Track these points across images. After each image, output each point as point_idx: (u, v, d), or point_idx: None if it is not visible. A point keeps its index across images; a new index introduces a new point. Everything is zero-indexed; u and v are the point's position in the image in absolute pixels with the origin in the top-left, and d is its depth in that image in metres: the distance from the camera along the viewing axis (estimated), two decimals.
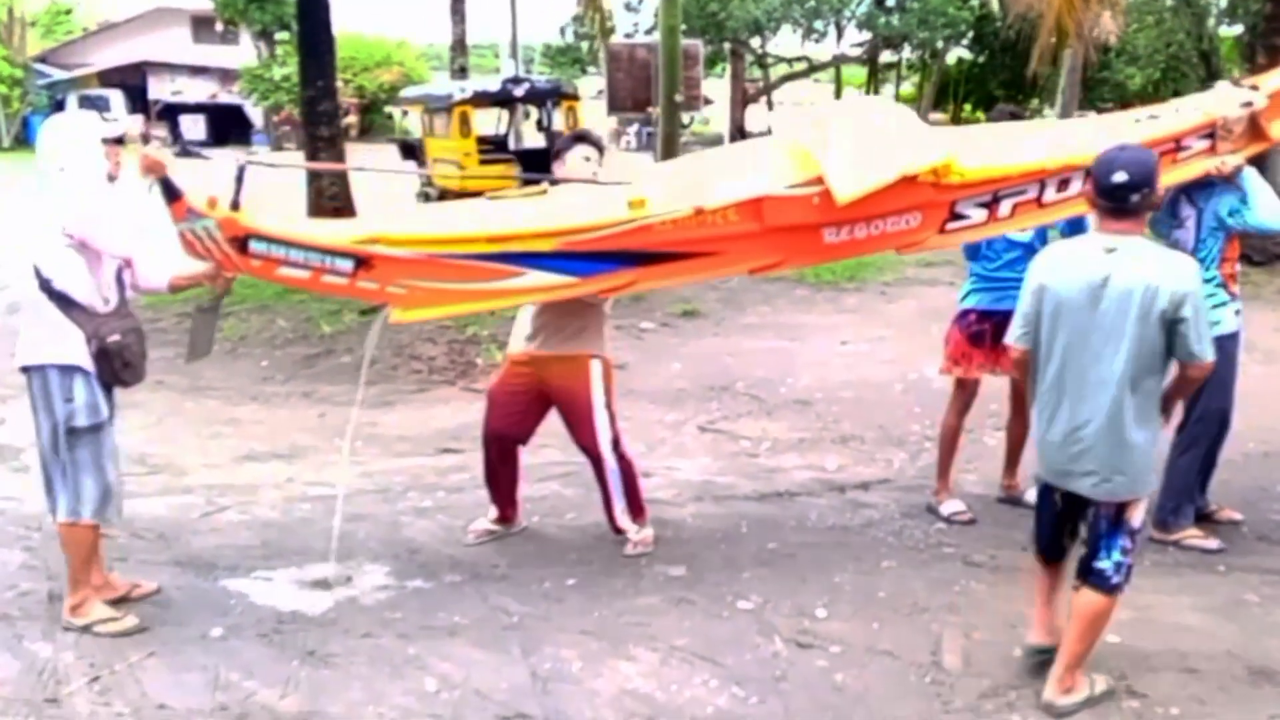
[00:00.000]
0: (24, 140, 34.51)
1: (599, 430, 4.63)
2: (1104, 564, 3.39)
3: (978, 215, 4.21)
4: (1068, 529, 3.57)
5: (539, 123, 14.77)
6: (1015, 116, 5.41)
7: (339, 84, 16.21)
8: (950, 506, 5.05)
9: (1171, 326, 3.22)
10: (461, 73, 19.64)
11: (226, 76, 37.18)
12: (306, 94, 10.91)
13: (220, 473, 5.29)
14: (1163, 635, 3.89)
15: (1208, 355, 3.27)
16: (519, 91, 13.19)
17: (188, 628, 4.05)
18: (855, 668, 3.75)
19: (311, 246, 3.91)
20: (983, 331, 4.92)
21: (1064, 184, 4.21)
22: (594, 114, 24.52)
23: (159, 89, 38.19)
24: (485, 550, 4.74)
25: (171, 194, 3.78)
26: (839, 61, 38.23)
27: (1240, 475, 5.35)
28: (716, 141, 31.78)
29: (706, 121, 37.09)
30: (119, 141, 3.98)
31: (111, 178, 3.94)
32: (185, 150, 26.97)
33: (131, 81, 37.30)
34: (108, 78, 37.20)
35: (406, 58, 39.46)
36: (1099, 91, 31.14)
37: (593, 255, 4.03)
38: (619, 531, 4.77)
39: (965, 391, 5.15)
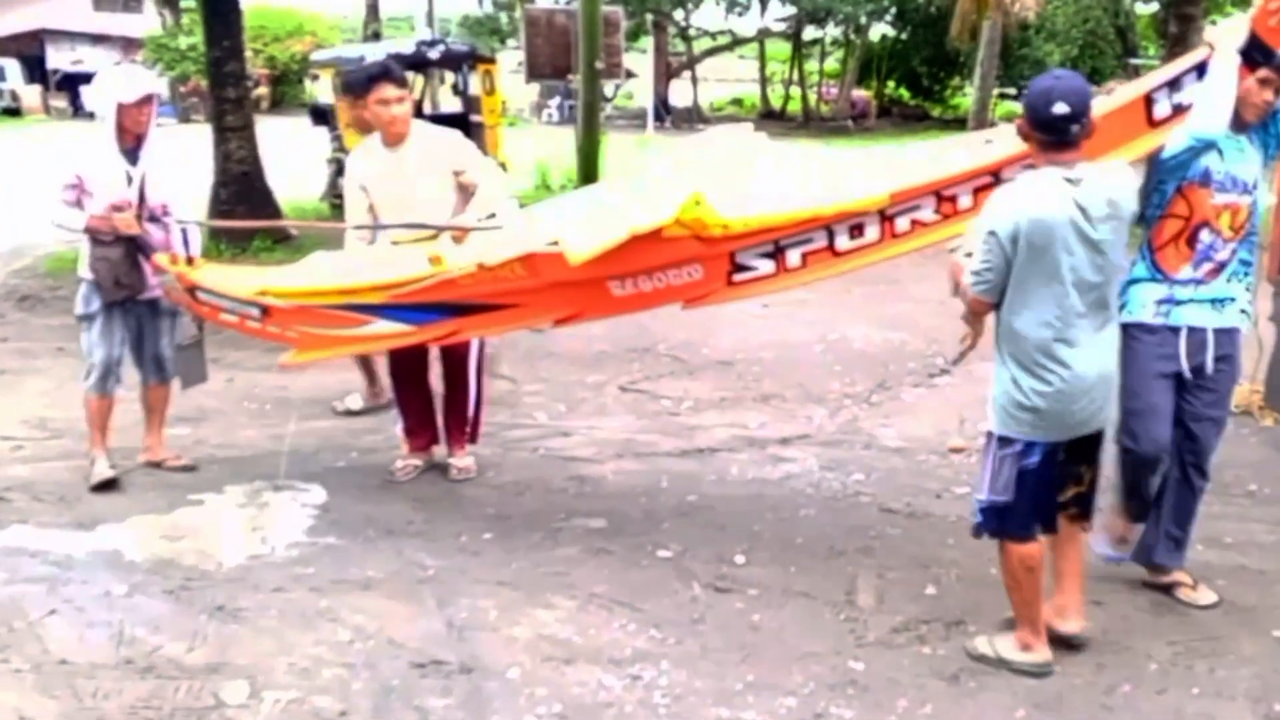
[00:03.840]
0: None
1: (470, 352, 4.92)
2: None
3: (765, 266, 3.93)
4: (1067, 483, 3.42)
5: (454, 86, 14.52)
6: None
7: (249, 54, 15.79)
8: None
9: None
10: (375, 38, 19.29)
11: (130, 45, 35.96)
12: (212, 54, 10.57)
13: (124, 436, 5.13)
14: None
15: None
16: (434, 54, 12.87)
17: (91, 586, 3.93)
18: (772, 608, 3.77)
19: (233, 298, 4.56)
20: None
21: (857, 229, 3.81)
22: (514, 86, 24.28)
23: (58, 58, 36.86)
24: (400, 508, 4.67)
25: (146, 252, 4.67)
26: (763, 36, 38.41)
27: None
28: (640, 116, 31.74)
29: (630, 96, 37.00)
30: (146, 101, 4.65)
31: (133, 134, 4.70)
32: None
33: (29, 50, 35.96)
34: (3, 46, 35.77)
35: (319, 28, 38.62)
36: (1018, 68, 31.71)
37: (418, 306, 4.28)
38: (460, 450, 5.01)
39: None
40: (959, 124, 18.52)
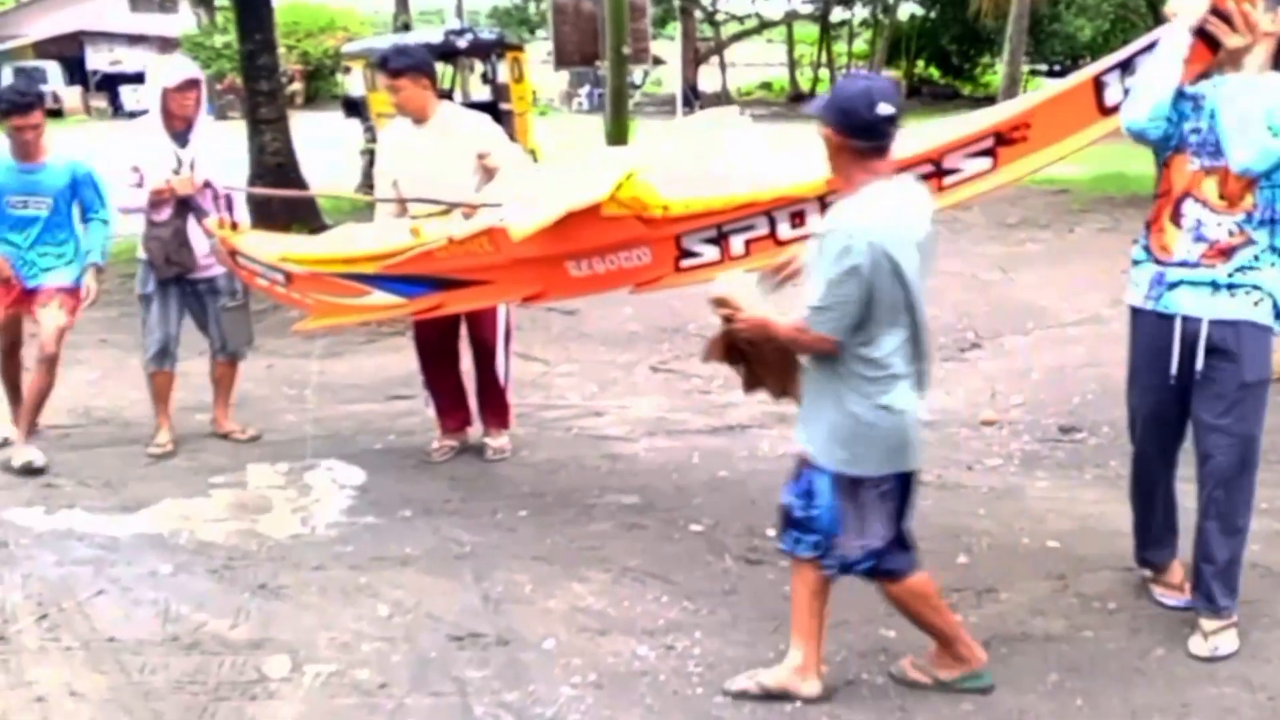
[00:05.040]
0: None
1: (498, 334, 4.98)
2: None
3: (710, 253, 3.85)
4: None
5: (484, 75, 14.61)
6: None
7: (282, 50, 15.94)
8: None
9: None
10: (405, 29, 19.41)
11: (166, 45, 36.34)
12: (245, 48, 10.68)
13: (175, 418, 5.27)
14: (1102, 541, 3.99)
15: None
16: (462, 43, 12.95)
17: (137, 566, 4.03)
18: None
19: (263, 263, 4.73)
20: None
21: (799, 218, 3.70)
22: (545, 76, 24.35)
23: (97, 59, 37.40)
24: (436, 487, 4.74)
25: (198, 217, 4.91)
26: (791, 19, 38.25)
27: None
28: (669, 103, 31.70)
29: (659, 82, 36.98)
30: (190, 85, 4.93)
31: (180, 119, 4.98)
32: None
33: (69, 52, 36.53)
34: (44, 49, 36.40)
35: (350, 22, 38.90)
36: (1049, 44, 31.36)
37: (406, 279, 4.35)
38: (495, 430, 5.09)
39: None
40: (989, 102, 18.37)
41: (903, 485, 3.04)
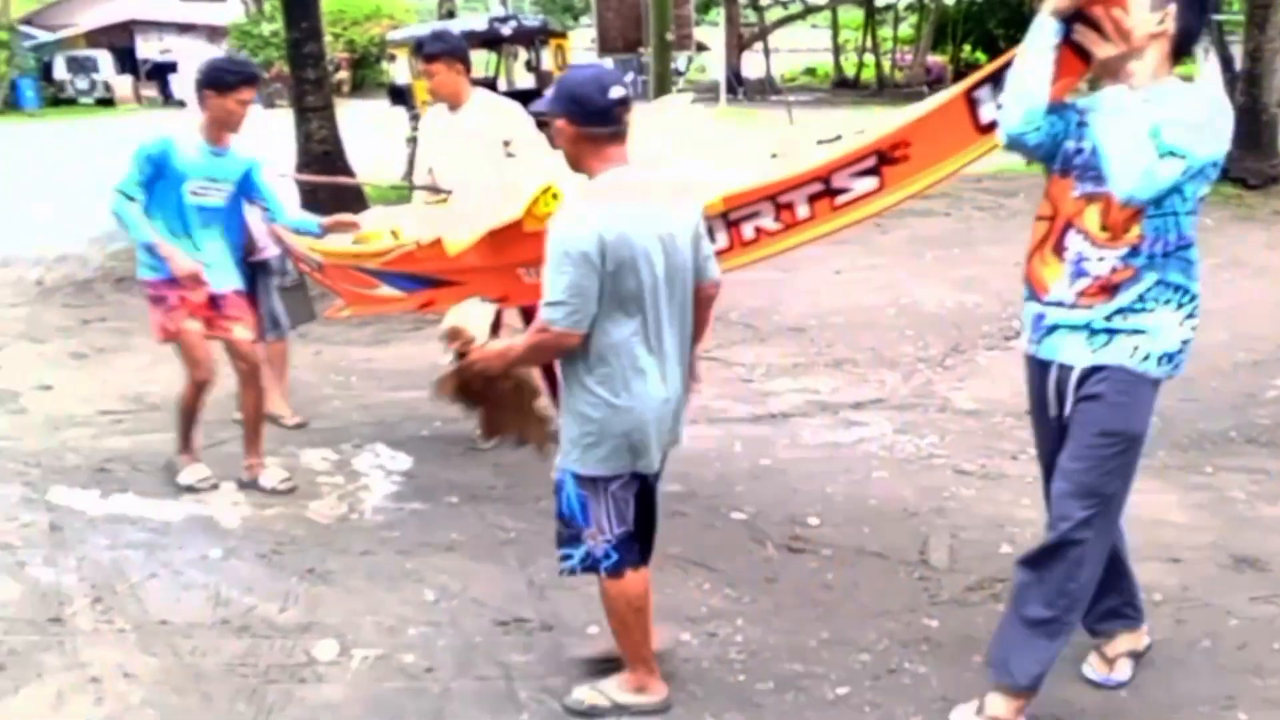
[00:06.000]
0: (12, 103, 34.23)
1: None
2: None
3: None
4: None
5: (528, 63, 14.66)
6: None
7: (329, 38, 16.04)
8: None
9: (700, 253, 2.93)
10: (449, 16, 19.50)
11: (215, 33, 36.81)
12: (292, 36, 10.77)
13: (218, 409, 5.33)
14: (1146, 530, 3.94)
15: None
16: (506, 30, 13.02)
17: (187, 550, 4.11)
18: (845, 568, 3.81)
19: (302, 249, 4.86)
20: None
21: (707, 234, 3.57)
22: (587, 61, 24.30)
23: (147, 48, 37.83)
24: (481, 474, 4.79)
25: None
26: (836, 3, 37.88)
27: (1230, 383, 5.40)
28: (712, 89, 31.56)
29: (702, 69, 36.80)
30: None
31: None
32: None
33: (119, 41, 36.96)
34: (95, 38, 36.87)
35: (396, 10, 39.04)
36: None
37: (402, 275, 4.42)
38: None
39: None
40: None
41: (645, 482, 2.98)
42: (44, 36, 37.34)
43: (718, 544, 4.04)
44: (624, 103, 2.72)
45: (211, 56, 5.03)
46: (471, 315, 2.93)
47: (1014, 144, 2.76)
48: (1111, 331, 2.67)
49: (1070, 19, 2.57)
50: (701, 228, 2.96)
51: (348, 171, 11.31)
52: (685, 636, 3.42)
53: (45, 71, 36.51)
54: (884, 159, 3.37)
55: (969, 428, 5.12)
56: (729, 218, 3.62)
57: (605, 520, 2.88)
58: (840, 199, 3.48)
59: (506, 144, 4.75)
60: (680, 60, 24.36)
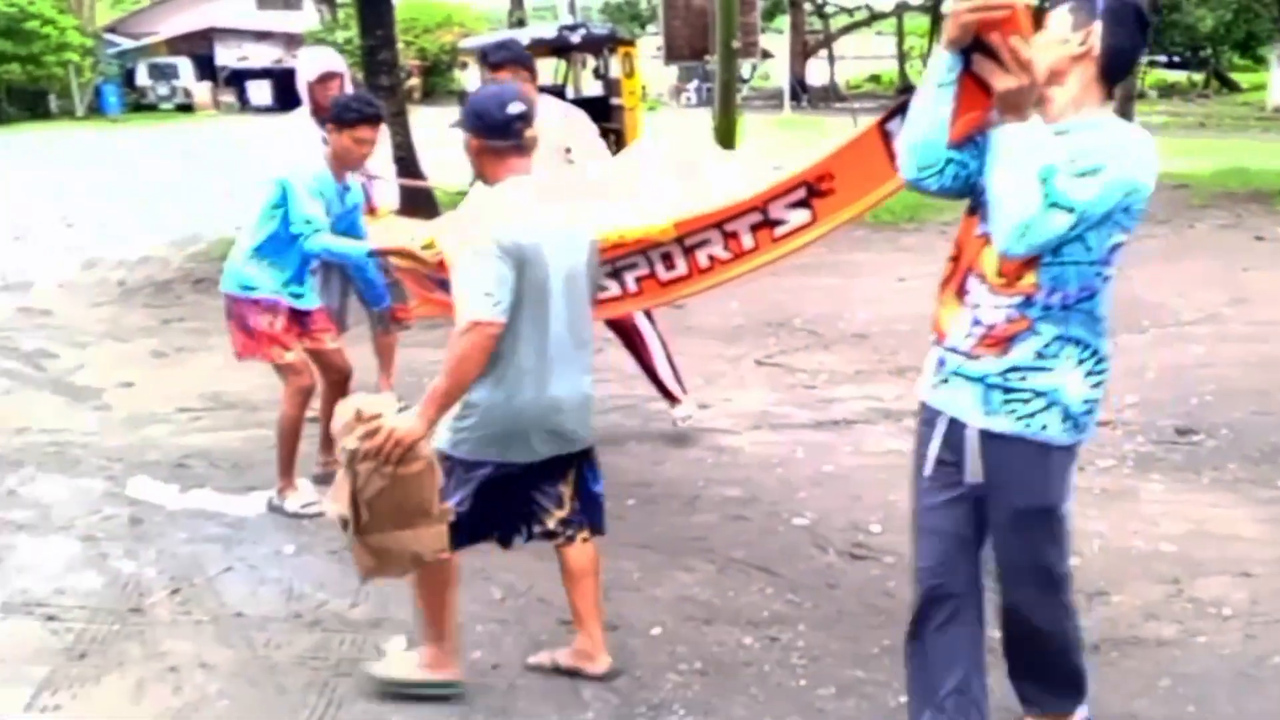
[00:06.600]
0: (97, 109, 35.20)
1: (635, 320, 5.02)
2: (601, 489, 3.34)
3: (613, 288, 4.01)
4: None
5: (596, 70, 14.80)
6: None
7: (400, 46, 16.36)
8: None
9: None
10: (519, 25, 19.71)
11: (291, 41, 37.59)
12: (366, 44, 11.01)
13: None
14: (1217, 544, 3.90)
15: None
16: (575, 38, 13.16)
17: (262, 546, 4.23)
18: (907, 576, 3.79)
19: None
20: None
21: (668, 260, 3.86)
22: (653, 71, 24.39)
23: (226, 55, 38.77)
24: None
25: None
26: (901, 10, 37.60)
27: None
28: (776, 96, 31.50)
29: (767, 76, 36.75)
30: (330, 77, 4.89)
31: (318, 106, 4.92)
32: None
33: (199, 49, 37.95)
34: (175, 46, 37.88)
35: (466, 18, 39.56)
36: (1168, 34, 30.30)
37: (442, 281, 4.42)
38: (671, 398, 5.13)
39: None
40: None
41: (508, 477, 3.04)
42: (127, 44, 38.46)
43: (779, 549, 4.07)
44: (522, 118, 2.90)
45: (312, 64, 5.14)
46: (373, 401, 2.91)
47: (915, 188, 2.49)
48: (1008, 390, 2.40)
49: (969, 49, 2.26)
50: (596, 240, 3.14)
51: (419, 177, 11.50)
52: (747, 640, 3.45)
53: (128, 78, 37.57)
54: (812, 191, 3.45)
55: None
56: (684, 244, 3.75)
57: (456, 498, 2.98)
58: (778, 230, 3.61)
59: (567, 151, 4.81)
60: (744, 67, 24.34)
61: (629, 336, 5.18)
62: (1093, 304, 2.36)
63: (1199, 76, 36.13)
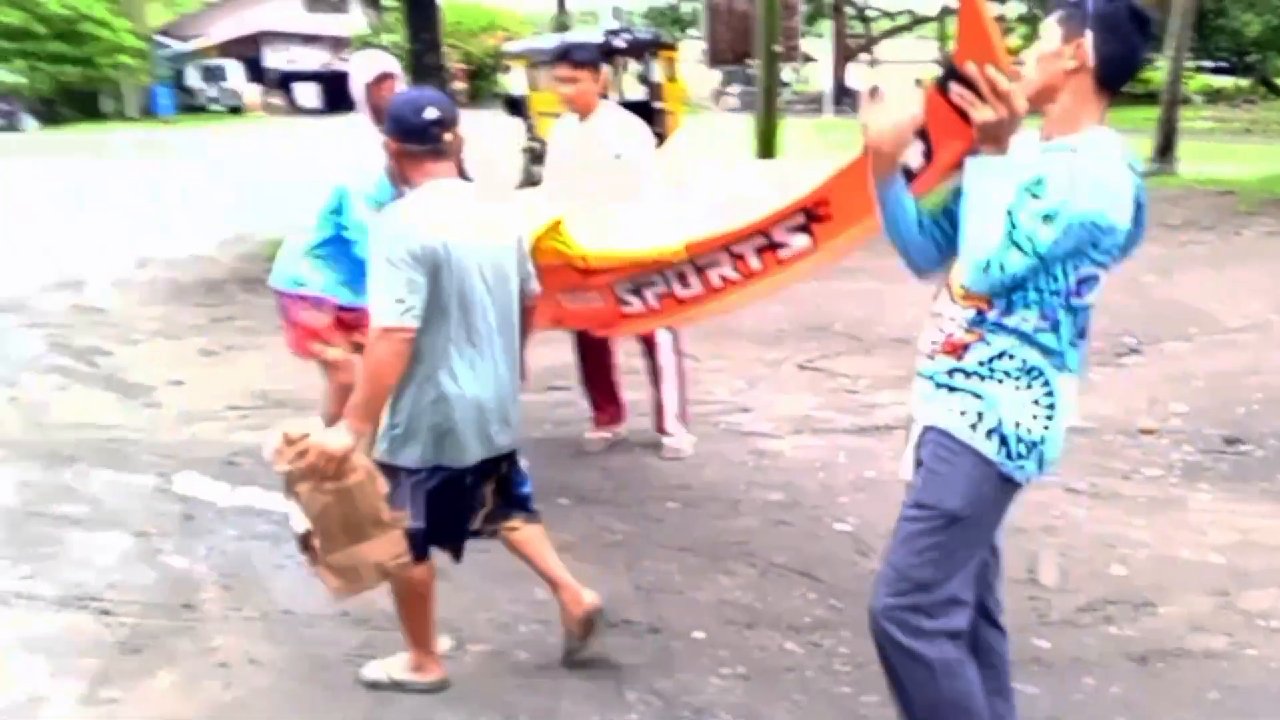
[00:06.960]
0: (149, 110, 35.76)
1: (658, 338, 5.02)
2: (529, 491, 3.44)
3: (635, 304, 4.05)
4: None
5: (640, 75, 14.86)
6: None
7: (446, 49, 16.50)
8: None
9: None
10: (563, 29, 19.81)
11: (338, 44, 38.07)
12: (413, 47, 11.10)
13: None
14: (1266, 555, 3.86)
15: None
16: (619, 42, 13.24)
17: None
18: None
19: None
20: None
21: (682, 279, 3.87)
22: (695, 75, 24.40)
23: (274, 58, 39.30)
24: (590, 476, 4.89)
25: None
26: (944, 14, 37.34)
27: None
28: (817, 100, 31.42)
29: (807, 81, 36.65)
30: (385, 78, 4.63)
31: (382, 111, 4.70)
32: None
33: (248, 52, 38.50)
34: (226, 48, 38.43)
35: (510, 23, 39.83)
36: (1214, 39, 29.85)
37: None
38: (661, 429, 5.08)
39: None
40: (1149, 98, 17.59)
41: (459, 479, 3.10)
42: (178, 47, 39.03)
43: (821, 554, 4.07)
44: (439, 123, 2.93)
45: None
46: (298, 424, 2.95)
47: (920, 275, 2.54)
48: (951, 390, 2.39)
49: (946, 77, 2.26)
50: (525, 242, 3.24)
51: (466, 179, 11.60)
52: (790, 645, 3.46)
53: (179, 80, 38.16)
54: (811, 216, 3.44)
55: (1079, 445, 5.03)
56: (697, 264, 3.77)
57: (410, 508, 3.02)
58: (782, 253, 3.60)
59: (618, 158, 4.84)
60: (786, 72, 24.31)
61: (650, 358, 5.18)
62: (1055, 337, 2.30)
63: (1245, 82, 35.60)
